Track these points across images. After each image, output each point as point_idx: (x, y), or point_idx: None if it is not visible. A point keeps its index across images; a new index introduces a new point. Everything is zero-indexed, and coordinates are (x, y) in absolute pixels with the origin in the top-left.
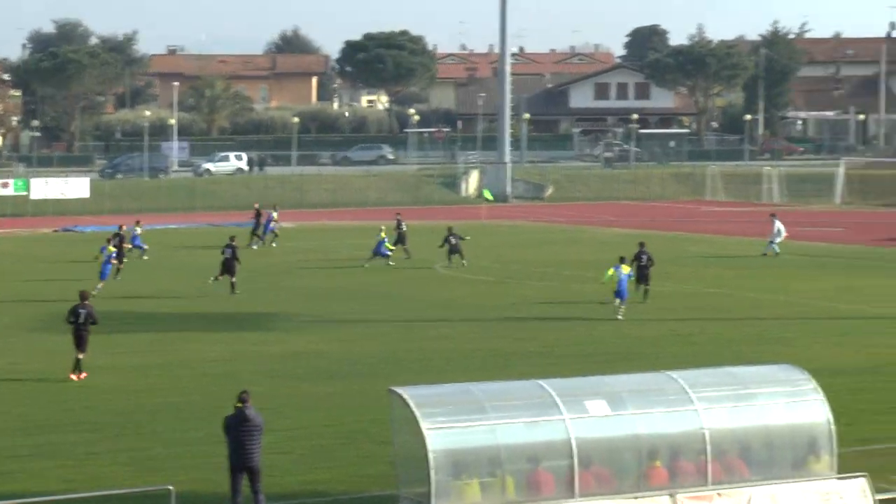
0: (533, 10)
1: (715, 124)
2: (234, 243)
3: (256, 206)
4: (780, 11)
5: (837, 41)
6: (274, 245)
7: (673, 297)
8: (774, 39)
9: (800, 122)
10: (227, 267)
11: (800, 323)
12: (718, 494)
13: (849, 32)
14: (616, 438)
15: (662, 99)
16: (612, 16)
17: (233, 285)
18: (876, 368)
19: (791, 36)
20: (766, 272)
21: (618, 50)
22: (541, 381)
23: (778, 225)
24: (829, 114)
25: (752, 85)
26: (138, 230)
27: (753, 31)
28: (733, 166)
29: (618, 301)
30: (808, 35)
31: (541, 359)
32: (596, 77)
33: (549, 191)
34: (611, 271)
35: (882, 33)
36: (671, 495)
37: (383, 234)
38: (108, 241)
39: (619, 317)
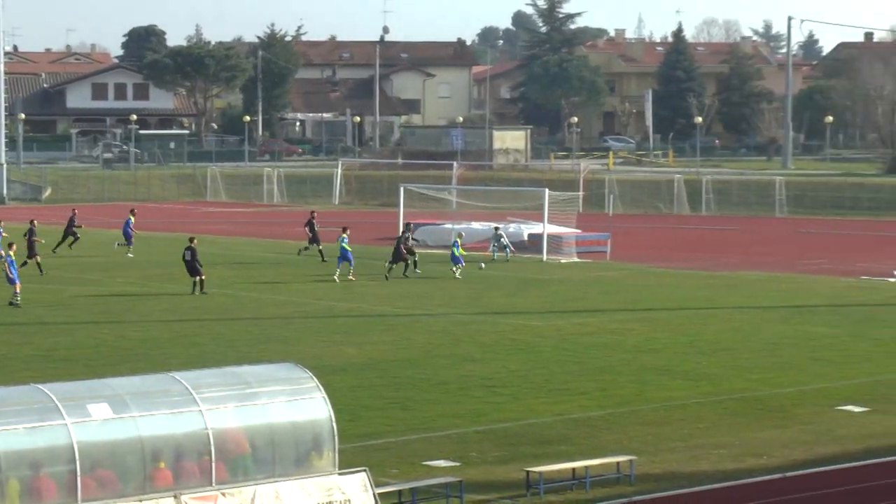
0: (27, 9)
1: (215, 126)
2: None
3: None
4: (276, 13)
5: (333, 44)
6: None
7: (175, 297)
8: (271, 41)
9: (298, 123)
10: None
11: (301, 322)
12: (223, 494)
13: (343, 36)
14: (119, 442)
15: (162, 100)
16: (108, 15)
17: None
18: (375, 365)
19: (288, 38)
20: (267, 273)
21: (115, 50)
22: (40, 386)
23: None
24: (327, 115)
25: (250, 86)
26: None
27: (251, 32)
28: (234, 167)
29: (345, 265)
30: (304, 37)
31: (41, 363)
32: (93, 77)
33: (48, 192)
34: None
35: (375, 37)
36: (175, 497)
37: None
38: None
39: (336, 279)
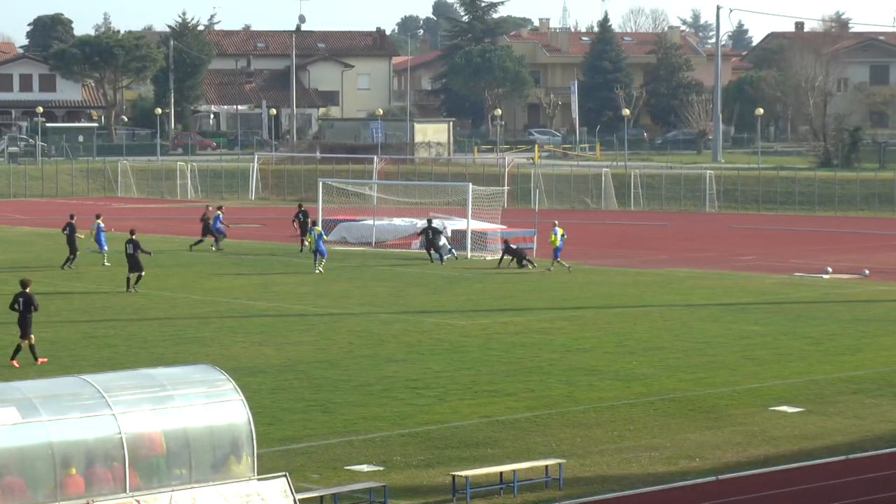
0: None
1: (125, 118)
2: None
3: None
4: (188, 1)
5: (247, 33)
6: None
7: (85, 298)
8: (183, 31)
9: (212, 115)
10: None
11: (218, 322)
12: (137, 501)
13: (258, 25)
14: (28, 447)
15: (69, 91)
16: (12, 3)
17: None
18: (294, 366)
19: (201, 27)
20: (181, 270)
21: (20, 39)
22: None
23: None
24: (242, 107)
25: (162, 77)
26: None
27: (162, 21)
28: (145, 161)
29: (319, 258)
30: (217, 27)
31: None
32: None
33: None
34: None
35: (291, 26)
36: None
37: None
38: None
39: (320, 270)
